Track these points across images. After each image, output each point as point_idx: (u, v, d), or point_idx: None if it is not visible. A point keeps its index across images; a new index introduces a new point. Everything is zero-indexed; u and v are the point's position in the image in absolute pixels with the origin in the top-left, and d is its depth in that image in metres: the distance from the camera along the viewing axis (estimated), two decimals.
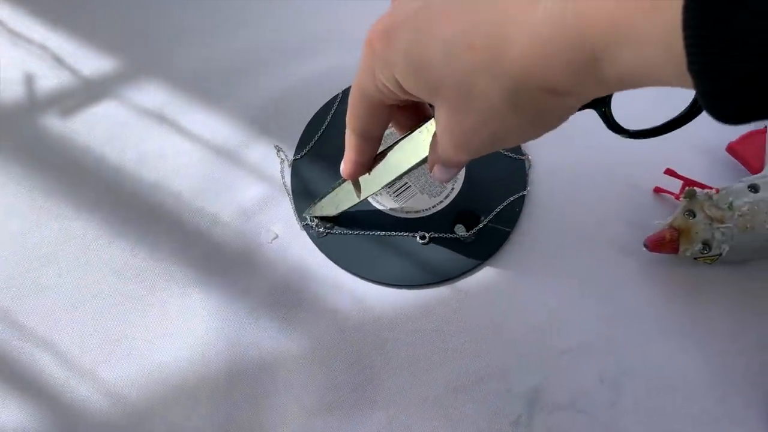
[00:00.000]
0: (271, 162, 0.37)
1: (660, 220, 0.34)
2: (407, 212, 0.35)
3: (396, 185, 0.36)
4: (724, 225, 0.31)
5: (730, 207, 0.32)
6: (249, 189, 0.36)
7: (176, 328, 0.33)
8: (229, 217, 0.35)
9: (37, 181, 0.36)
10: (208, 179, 0.36)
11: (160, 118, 0.38)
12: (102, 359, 0.32)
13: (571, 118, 0.40)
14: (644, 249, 0.33)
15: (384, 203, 0.35)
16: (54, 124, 0.38)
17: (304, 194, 0.36)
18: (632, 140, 0.39)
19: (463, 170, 0.36)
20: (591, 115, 0.39)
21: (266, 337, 0.33)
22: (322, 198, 0.34)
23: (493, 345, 0.33)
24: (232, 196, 0.36)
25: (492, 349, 0.32)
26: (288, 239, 0.35)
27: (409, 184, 0.36)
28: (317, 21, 0.41)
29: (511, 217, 0.35)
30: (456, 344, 0.33)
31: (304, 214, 0.35)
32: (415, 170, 0.31)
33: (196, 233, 0.35)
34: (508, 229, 0.35)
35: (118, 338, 0.33)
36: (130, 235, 0.35)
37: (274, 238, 0.35)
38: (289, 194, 0.36)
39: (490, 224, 0.35)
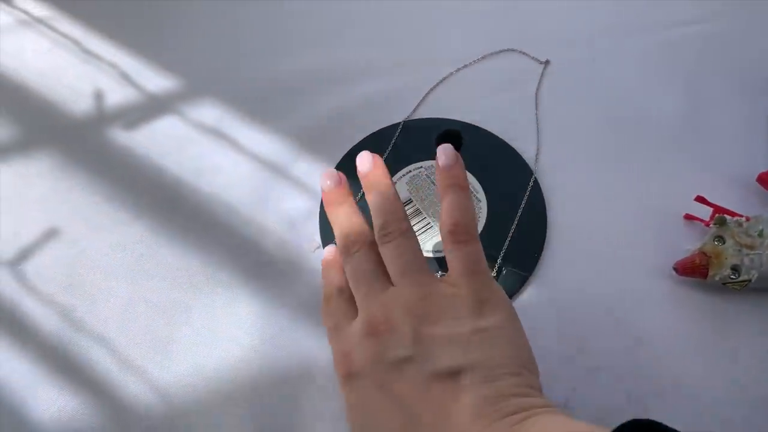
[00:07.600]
0: (317, 177, 0.39)
1: (690, 246, 0.35)
2: (436, 252, 0.36)
3: (419, 225, 0.37)
4: (753, 251, 0.32)
5: (761, 234, 0.32)
6: (295, 201, 0.38)
7: (220, 333, 0.35)
8: (275, 227, 0.38)
9: (99, 187, 0.39)
10: (258, 191, 0.39)
11: (218, 133, 0.41)
12: (151, 359, 0.34)
13: (598, 146, 0.42)
14: (673, 273, 0.34)
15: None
16: (118, 135, 0.41)
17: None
18: (660, 169, 0.39)
19: (485, 209, 0.37)
20: (619, 141, 0.40)
21: (305, 344, 0.34)
22: None
23: None
24: (280, 207, 0.38)
25: None
26: None
27: (432, 224, 0.37)
28: (378, 46, 0.44)
29: (533, 253, 0.36)
30: None
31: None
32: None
33: (245, 242, 0.37)
34: (526, 274, 0.35)
35: (167, 341, 0.35)
36: (183, 243, 0.37)
37: (317, 248, 0.37)
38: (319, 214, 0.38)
39: (509, 266, 0.35)
